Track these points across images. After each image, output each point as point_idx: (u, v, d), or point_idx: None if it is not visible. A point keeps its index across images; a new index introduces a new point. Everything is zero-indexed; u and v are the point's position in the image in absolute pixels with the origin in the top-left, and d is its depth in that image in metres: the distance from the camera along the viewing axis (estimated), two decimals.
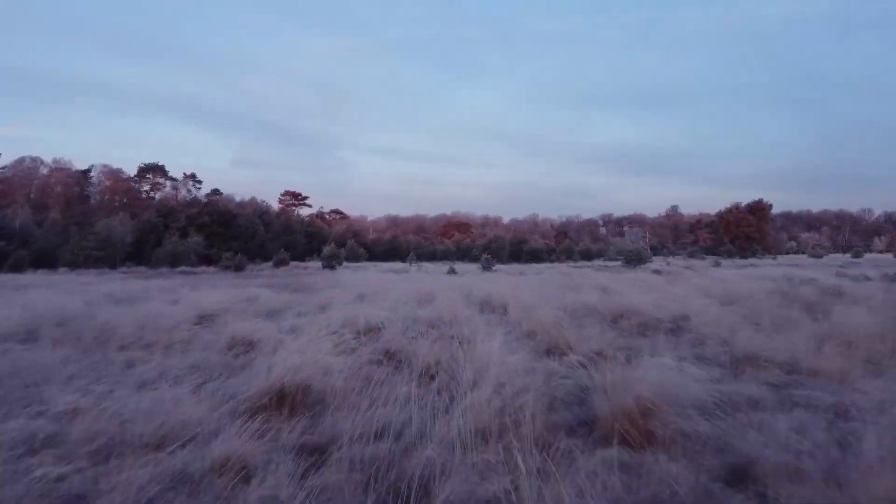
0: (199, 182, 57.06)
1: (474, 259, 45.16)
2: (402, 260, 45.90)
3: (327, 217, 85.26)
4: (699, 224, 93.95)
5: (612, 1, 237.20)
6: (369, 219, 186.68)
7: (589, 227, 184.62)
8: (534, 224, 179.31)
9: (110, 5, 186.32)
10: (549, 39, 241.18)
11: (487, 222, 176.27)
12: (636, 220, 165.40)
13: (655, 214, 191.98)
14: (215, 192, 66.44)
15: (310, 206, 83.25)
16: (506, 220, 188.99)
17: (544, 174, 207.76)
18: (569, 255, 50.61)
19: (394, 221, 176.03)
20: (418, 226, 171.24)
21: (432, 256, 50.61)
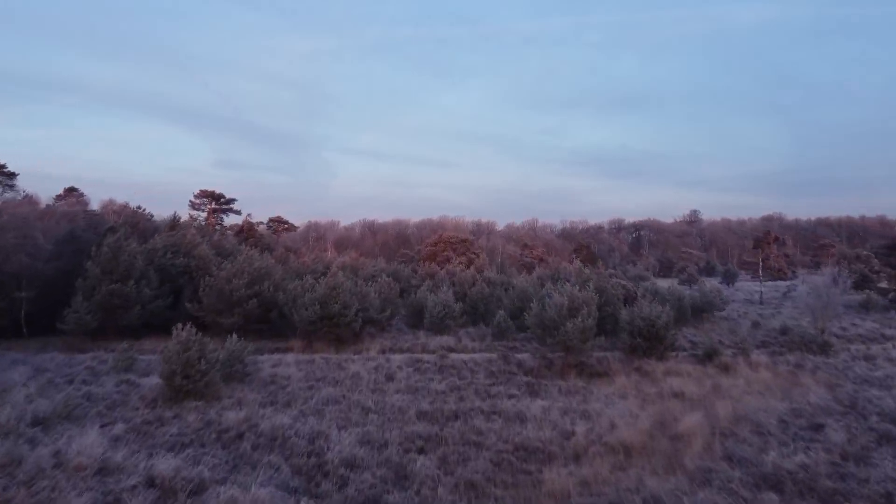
0: (12, 176, 33.13)
1: (503, 327, 23.41)
2: (372, 323, 23.63)
3: (258, 229, 61.34)
4: (770, 238, 71.44)
5: (592, 3, 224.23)
6: (341, 224, 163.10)
7: (595, 232, 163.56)
8: (532, 230, 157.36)
9: (82, 2, 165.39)
10: (530, 41, 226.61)
11: (480, 229, 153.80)
12: (652, 227, 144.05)
13: (670, 219, 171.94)
14: (71, 190, 42.68)
15: (238, 212, 60.02)
16: (500, 226, 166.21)
17: (525, 177, 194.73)
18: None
19: (370, 228, 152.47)
20: (399, 234, 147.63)
21: (419, 315, 28.09)
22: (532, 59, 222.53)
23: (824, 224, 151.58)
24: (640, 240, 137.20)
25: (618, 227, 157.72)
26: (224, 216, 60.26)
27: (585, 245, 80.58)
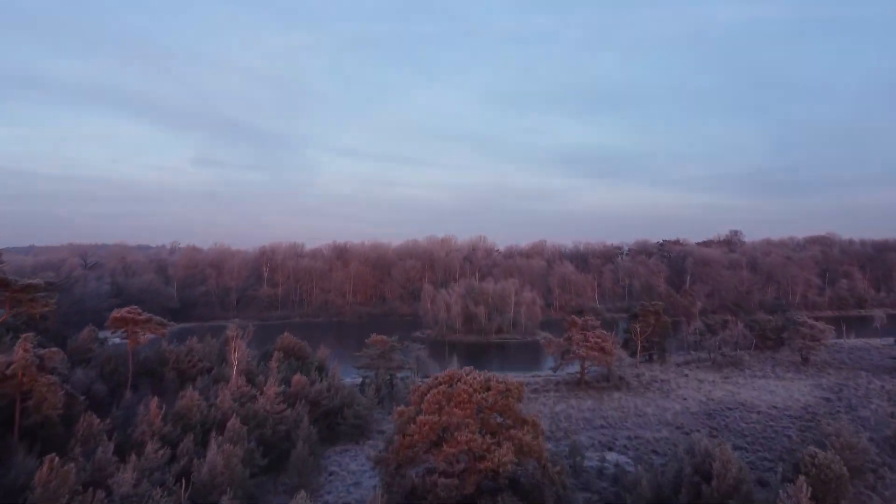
0: None
1: None
2: None
3: None
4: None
5: (573, 0, 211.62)
6: (307, 249, 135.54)
7: (612, 254, 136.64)
8: (541, 251, 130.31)
9: None
10: (511, 38, 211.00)
11: (476, 254, 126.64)
12: (691, 252, 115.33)
13: (699, 239, 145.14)
14: None
15: None
16: (500, 245, 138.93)
17: (504, 176, 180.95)
18: None
19: (341, 254, 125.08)
20: (378, 260, 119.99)
21: None
22: (512, 56, 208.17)
23: (890, 248, 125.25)
24: (677, 267, 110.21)
25: (641, 250, 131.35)
26: None
27: (652, 310, 53.45)
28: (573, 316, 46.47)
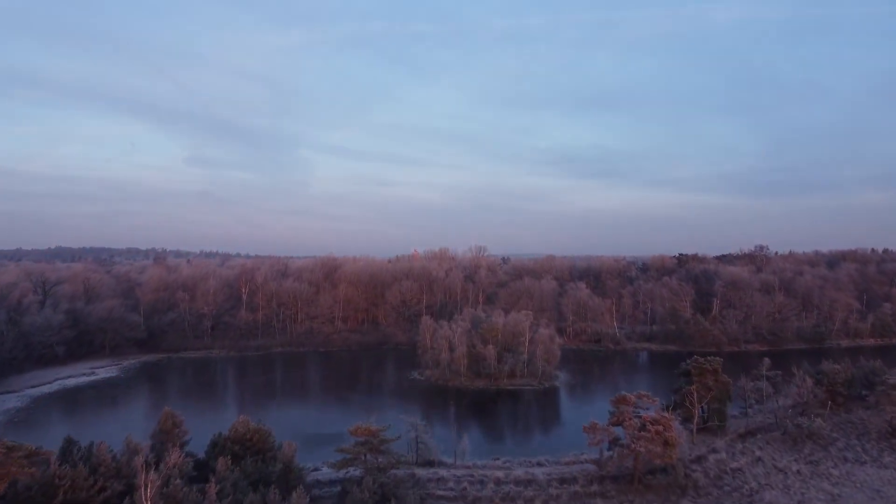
0: None
1: None
2: None
3: None
4: None
5: (567, 1, 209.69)
6: (293, 266, 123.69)
7: (624, 269, 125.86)
8: (549, 269, 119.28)
9: None
10: (506, 38, 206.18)
11: (479, 269, 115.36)
12: (715, 271, 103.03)
13: (716, 252, 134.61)
14: None
15: None
16: (498, 252, 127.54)
17: (498, 176, 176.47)
18: None
19: (329, 273, 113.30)
20: (371, 279, 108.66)
21: None
22: (507, 56, 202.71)
23: None
24: (702, 287, 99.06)
25: (658, 266, 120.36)
26: None
27: (710, 368, 42.63)
28: (623, 395, 35.39)
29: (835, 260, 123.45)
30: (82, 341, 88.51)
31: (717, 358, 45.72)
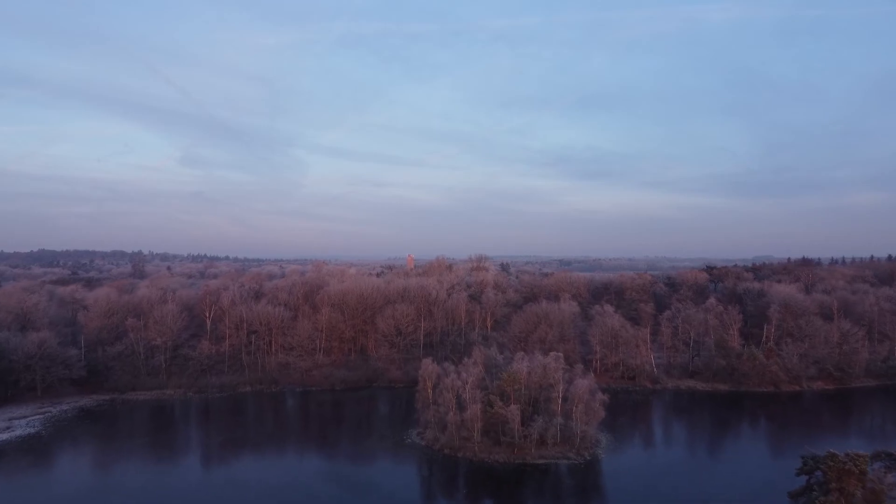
0: None
1: None
2: None
3: None
4: None
5: (562, 1, 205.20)
6: (267, 286, 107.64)
7: (649, 286, 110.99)
8: (565, 286, 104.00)
9: None
10: (501, 38, 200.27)
11: (485, 287, 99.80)
12: (771, 296, 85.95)
13: (715, 254, 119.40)
14: None
15: None
16: (497, 256, 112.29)
17: (492, 176, 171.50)
18: None
19: (310, 293, 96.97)
20: (360, 304, 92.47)
21: None
22: (502, 56, 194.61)
23: None
24: (748, 309, 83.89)
25: (690, 285, 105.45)
26: None
27: (856, 470, 27.49)
28: None
29: (884, 274, 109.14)
30: (5, 382, 72.59)
31: (863, 454, 30.78)
